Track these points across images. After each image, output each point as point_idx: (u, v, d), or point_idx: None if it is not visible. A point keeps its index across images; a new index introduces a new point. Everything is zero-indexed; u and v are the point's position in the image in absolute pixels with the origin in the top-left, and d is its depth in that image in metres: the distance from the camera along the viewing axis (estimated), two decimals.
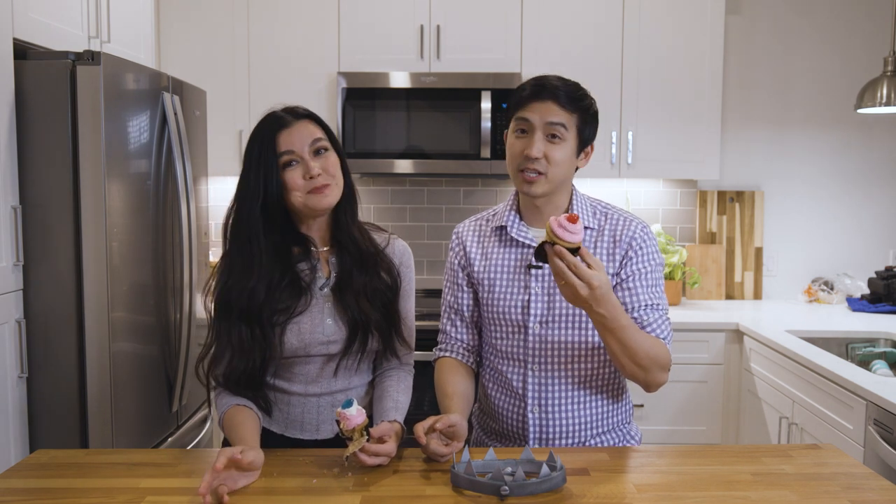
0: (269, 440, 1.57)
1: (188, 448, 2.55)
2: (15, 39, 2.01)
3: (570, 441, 1.64)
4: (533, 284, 1.62)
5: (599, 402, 1.66)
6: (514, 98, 1.61)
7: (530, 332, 1.62)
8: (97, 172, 2.03)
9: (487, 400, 1.73)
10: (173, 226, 2.44)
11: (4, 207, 1.97)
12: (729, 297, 3.72)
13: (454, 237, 1.77)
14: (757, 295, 3.71)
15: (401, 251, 1.67)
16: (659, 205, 3.75)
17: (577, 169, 1.63)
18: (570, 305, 1.59)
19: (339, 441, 1.56)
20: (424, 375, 1.84)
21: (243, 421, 1.50)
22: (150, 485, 1.36)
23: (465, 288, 1.72)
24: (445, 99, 3.26)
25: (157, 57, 3.14)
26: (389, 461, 1.42)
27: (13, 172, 2.01)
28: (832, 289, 3.62)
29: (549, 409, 1.63)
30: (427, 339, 2.04)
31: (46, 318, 2.06)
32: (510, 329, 1.64)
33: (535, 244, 1.61)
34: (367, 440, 1.38)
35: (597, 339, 1.61)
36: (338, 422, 1.38)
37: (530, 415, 1.64)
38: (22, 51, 2.05)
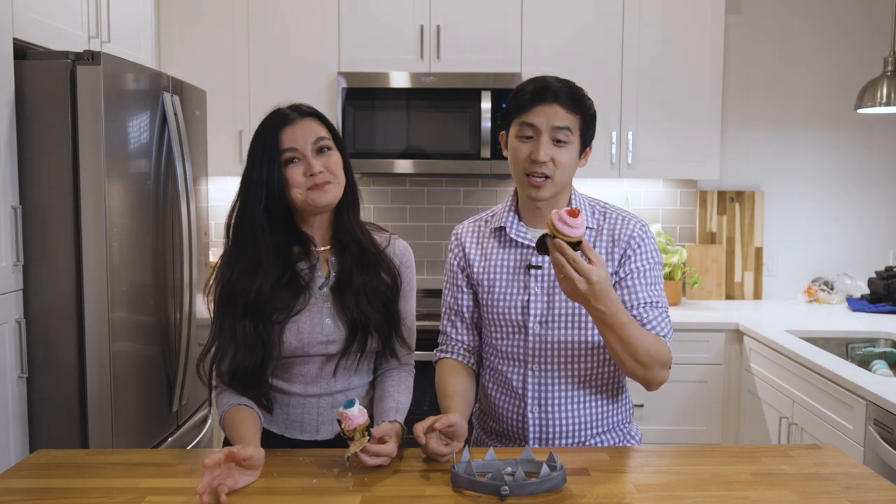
0: (269, 441, 1.57)
1: (188, 448, 2.55)
2: (15, 39, 2.01)
3: (569, 441, 1.65)
4: (532, 284, 1.62)
5: (599, 402, 1.66)
6: (514, 100, 1.61)
7: (530, 332, 1.62)
8: (97, 172, 2.03)
9: (487, 400, 1.74)
10: (173, 226, 2.44)
11: (4, 207, 1.97)
12: (729, 297, 3.72)
13: (453, 238, 1.77)
14: (757, 295, 3.71)
15: (401, 251, 1.67)
16: (659, 205, 3.75)
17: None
18: (570, 305, 1.60)
19: (339, 441, 1.56)
20: (425, 376, 1.84)
21: (244, 420, 1.50)
22: (150, 485, 1.36)
23: (465, 289, 1.72)
24: (445, 99, 3.26)
25: (157, 57, 3.14)
26: (389, 461, 1.42)
27: (13, 172, 2.01)
28: (832, 289, 3.62)
29: (549, 408, 1.63)
30: (427, 339, 2.04)
31: (46, 318, 2.06)
32: (510, 329, 1.64)
33: (534, 244, 1.61)
34: (369, 440, 1.38)
35: (597, 338, 1.61)
36: (339, 422, 1.38)
37: (530, 415, 1.64)
38: (22, 51, 2.05)
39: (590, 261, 1.40)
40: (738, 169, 3.73)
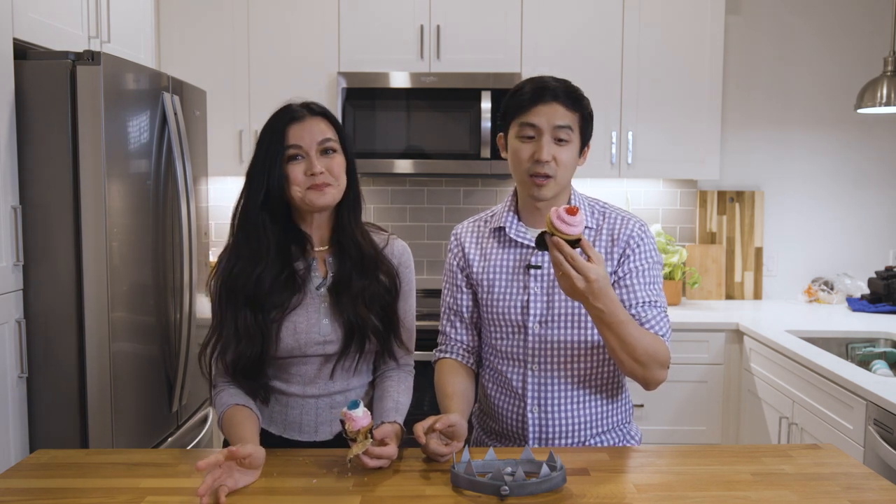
0: (268, 441, 1.56)
1: (188, 448, 2.55)
2: (15, 39, 2.01)
3: (569, 441, 1.65)
4: (532, 284, 1.62)
5: (599, 402, 1.66)
6: (512, 101, 1.61)
7: (530, 331, 1.62)
8: (97, 172, 2.03)
9: (487, 400, 1.74)
10: (173, 226, 2.44)
11: (4, 207, 1.97)
12: (729, 297, 3.72)
13: (452, 239, 1.77)
14: (757, 295, 3.71)
15: (399, 251, 1.67)
16: (659, 205, 3.75)
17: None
18: (570, 305, 1.60)
19: (338, 442, 1.56)
20: (424, 375, 1.84)
21: (242, 420, 1.49)
22: (150, 485, 1.36)
23: (464, 289, 1.72)
24: (445, 99, 3.26)
25: (157, 57, 3.14)
26: (389, 463, 1.42)
27: (13, 172, 2.01)
28: (832, 289, 3.62)
29: (549, 408, 1.63)
30: (427, 339, 2.04)
31: (46, 318, 2.06)
32: (510, 329, 1.64)
33: (533, 244, 1.61)
34: (371, 442, 1.37)
35: (596, 337, 1.61)
36: (342, 422, 1.37)
37: (529, 414, 1.64)
38: (22, 51, 2.05)
39: (589, 259, 1.40)
40: (738, 169, 3.73)
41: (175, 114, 2.40)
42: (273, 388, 1.60)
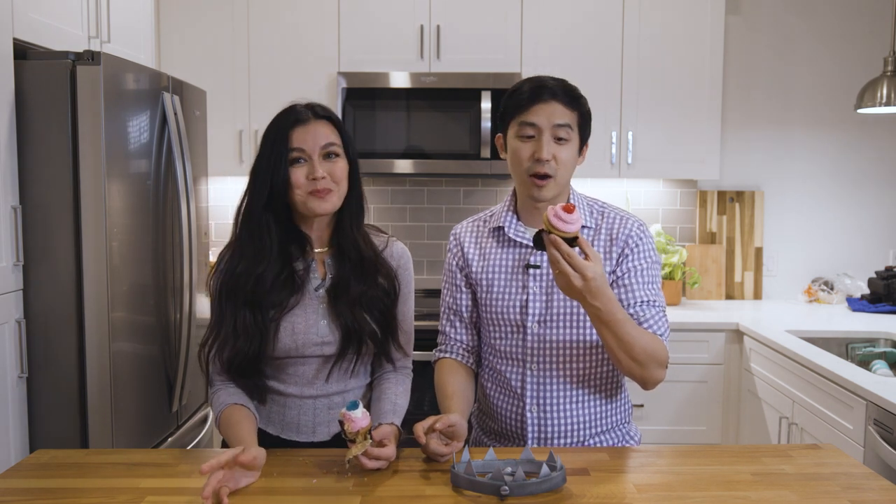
0: (266, 442, 1.56)
1: (188, 448, 2.55)
2: (15, 39, 2.01)
3: (568, 441, 1.64)
4: (531, 284, 1.62)
5: (598, 402, 1.66)
6: (511, 101, 1.61)
7: (529, 331, 1.62)
8: (97, 172, 2.03)
9: (486, 400, 1.74)
10: (173, 226, 2.44)
11: (4, 207, 1.97)
12: (729, 297, 3.72)
13: (452, 238, 1.77)
14: (757, 295, 3.71)
15: (398, 253, 1.66)
16: (659, 205, 3.75)
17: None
18: (569, 304, 1.60)
19: (335, 442, 1.56)
20: (424, 376, 1.84)
21: (240, 420, 1.49)
22: (150, 485, 1.36)
23: (464, 289, 1.72)
24: (445, 99, 3.26)
25: (157, 57, 3.14)
26: (388, 464, 1.42)
27: (13, 172, 2.01)
28: (832, 289, 3.61)
29: (548, 408, 1.63)
30: (427, 339, 2.04)
31: (46, 318, 2.06)
32: (509, 329, 1.64)
33: (532, 245, 1.61)
34: (370, 443, 1.37)
35: (595, 337, 1.61)
36: (341, 423, 1.37)
37: (528, 414, 1.64)
38: (22, 51, 2.05)
39: (587, 257, 1.40)
40: (738, 169, 3.73)
41: (175, 114, 2.40)
42: (271, 388, 1.60)
